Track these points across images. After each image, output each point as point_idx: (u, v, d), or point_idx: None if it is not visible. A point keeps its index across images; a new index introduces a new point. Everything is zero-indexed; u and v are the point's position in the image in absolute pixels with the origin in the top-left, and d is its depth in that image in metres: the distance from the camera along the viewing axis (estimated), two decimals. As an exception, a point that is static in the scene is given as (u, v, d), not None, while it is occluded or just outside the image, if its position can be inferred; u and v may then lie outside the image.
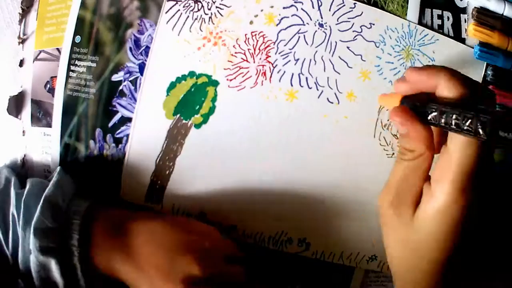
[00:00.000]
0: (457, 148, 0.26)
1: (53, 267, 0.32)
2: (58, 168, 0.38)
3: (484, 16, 0.41)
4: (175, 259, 0.34)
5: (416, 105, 0.28)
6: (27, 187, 0.36)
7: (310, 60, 0.39)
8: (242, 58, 0.38)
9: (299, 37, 0.38)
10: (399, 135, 0.30)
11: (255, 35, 0.38)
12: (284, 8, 0.38)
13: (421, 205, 0.29)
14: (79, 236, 0.33)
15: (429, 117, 0.26)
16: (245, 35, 0.38)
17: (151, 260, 0.33)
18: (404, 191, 0.29)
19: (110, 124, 0.38)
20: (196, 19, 0.37)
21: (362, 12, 0.39)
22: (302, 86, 0.39)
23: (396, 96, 0.31)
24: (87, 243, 0.34)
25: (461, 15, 0.41)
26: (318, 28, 0.38)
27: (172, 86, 0.38)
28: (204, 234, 0.36)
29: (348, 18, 0.39)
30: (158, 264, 0.33)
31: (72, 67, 0.39)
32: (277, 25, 0.38)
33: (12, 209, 0.35)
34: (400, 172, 0.29)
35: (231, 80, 0.38)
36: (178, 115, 0.38)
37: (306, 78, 0.39)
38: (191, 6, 0.37)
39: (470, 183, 0.26)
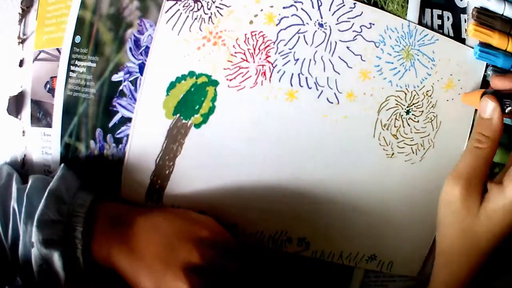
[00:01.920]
0: None
1: (56, 259, 0.32)
2: (62, 164, 0.38)
3: (484, 16, 0.41)
4: (174, 247, 0.34)
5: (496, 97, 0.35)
6: (30, 181, 0.36)
7: (310, 60, 0.39)
8: (242, 58, 0.38)
9: (299, 37, 0.38)
10: (479, 120, 0.35)
11: (255, 35, 0.38)
12: (284, 8, 0.38)
13: (490, 199, 0.33)
14: (83, 229, 0.33)
15: (506, 110, 0.34)
16: (245, 35, 0.38)
17: (151, 248, 0.34)
18: (475, 180, 0.33)
19: (111, 124, 0.39)
20: (196, 18, 0.37)
21: (362, 12, 0.39)
22: (302, 86, 0.39)
23: (478, 93, 0.38)
24: (89, 236, 0.34)
25: (461, 15, 0.41)
26: (318, 28, 0.38)
27: (172, 86, 0.38)
28: (203, 223, 0.36)
29: (348, 18, 0.39)
30: (158, 252, 0.33)
31: (72, 67, 0.39)
32: (277, 25, 0.38)
33: (13, 203, 0.35)
34: (473, 161, 0.33)
35: (231, 80, 0.38)
36: (178, 115, 0.38)
37: (306, 78, 0.39)
38: (191, 5, 0.37)
39: None
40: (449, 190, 0.34)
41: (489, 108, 0.35)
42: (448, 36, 0.41)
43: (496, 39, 0.41)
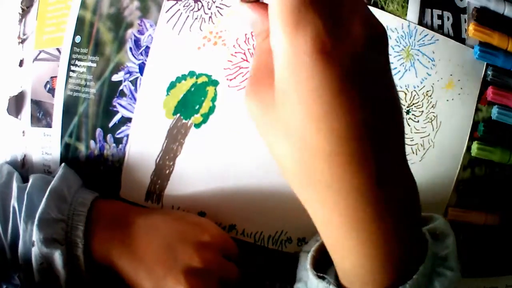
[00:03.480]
0: None
1: (57, 258, 0.32)
2: (63, 164, 0.38)
3: (484, 16, 0.41)
4: (175, 250, 0.34)
5: None
6: (31, 180, 0.36)
7: (310, 60, 0.39)
8: (242, 58, 0.38)
9: (299, 37, 0.38)
10: (253, 27, 0.24)
11: (255, 35, 0.38)
12: (284, 8, 0.38)
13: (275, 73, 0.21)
14: (84, 228, 0.33)
15: None
16: (245, 35, 0.38)
17: (151, 251, 0.34)
18: (261, 73, 0.23)
19: (111, 124, 0.38)
20: (196, 18, 0.37)
21: (362, 12, 0.39)
22: (302, 86, 0.39)
23: None
24: (90, 235, 0.34)
25: (461, 15, 0.41)
26: (318, 28, 0.38)
27: (172, 85, 0.38)
28: (203, 227, 0.36)
29: (348, 18, 0.39)
30: (159, 255, 0.33)
31: (72, 67, 0.39)
32: (277, 25, 0.38)
33: (13, 201, 0.35)
34: (255, 58, 0.24)
35: (231, 80, 0.38)
36: (178, 115, 0.38)
37: (306, 78, 0.39)
38: (191, 5, 0.37)
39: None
40: (245, 101, 0.23)
41: (253, 16, 0.24)
42: (448, 36, 0.41)
43: (496, 39, 0.41)
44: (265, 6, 0.24)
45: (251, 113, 0.24)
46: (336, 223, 0.22)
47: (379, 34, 0.20)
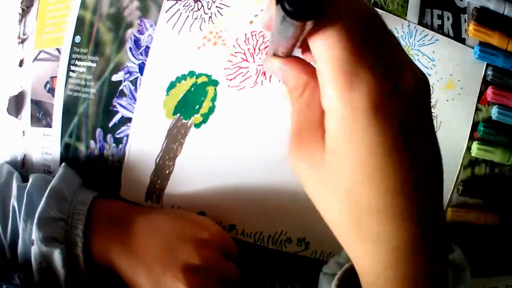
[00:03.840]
0: (319, 48, 0.20)
1: (56, 257, 0.32)
2: (63, 163, 0.38)
3: (484, 16, 0.41)
4: (174, 248, 0.34)
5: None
6: (31, 179, 0.36)
7: (310, 60, 0.39)
8: (242, 58, 0.38)
9: (299, 37, 0.38)
10: (287, 82, 0.24)
11: (255, 34, 0.38)
12: (284, 8, 0.38)
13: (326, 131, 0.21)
14: (83, 227, 0.33)
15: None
16: (245, 34, 0.38)
17: (150, 249, 0.34)
18: (305, 129, 0.22)
19: (111, 124, 0.38)
20: (196, 18, 0.37)
21: (362, 12, 0.39)
22: (302, 86, 0.39)
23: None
24: (89, 233, 0.34)
25: (461, 15, 0.41)
26: (318, 28, 0.38)
27: (172, 85, 0.38)
28: (202, 225, 0.36)
29: (348, 18, 0.39)
30: (158, 252, 0.33)
31: (72, 67, 0.39)
32: (277, 25, 0.38)
33: (13, 201, 0.35)
34: (296, 114, 0.23)
35: (231, 79, 0.38)
36: (178, 115, 0.38)
37: (306, 78, 0.39)
38: (191, 5, 0.37)
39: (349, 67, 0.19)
40: (290, 158, 0.23)
41: (273, 67, 0.24)
42: (448, 36, 0.41)
43: (496, 39, 0.41)
44: (298, 60, 0.24)
45: (297, 172, 0.23)
46: (377, 273, 0.22)
47: (425, 86, 0.21)
